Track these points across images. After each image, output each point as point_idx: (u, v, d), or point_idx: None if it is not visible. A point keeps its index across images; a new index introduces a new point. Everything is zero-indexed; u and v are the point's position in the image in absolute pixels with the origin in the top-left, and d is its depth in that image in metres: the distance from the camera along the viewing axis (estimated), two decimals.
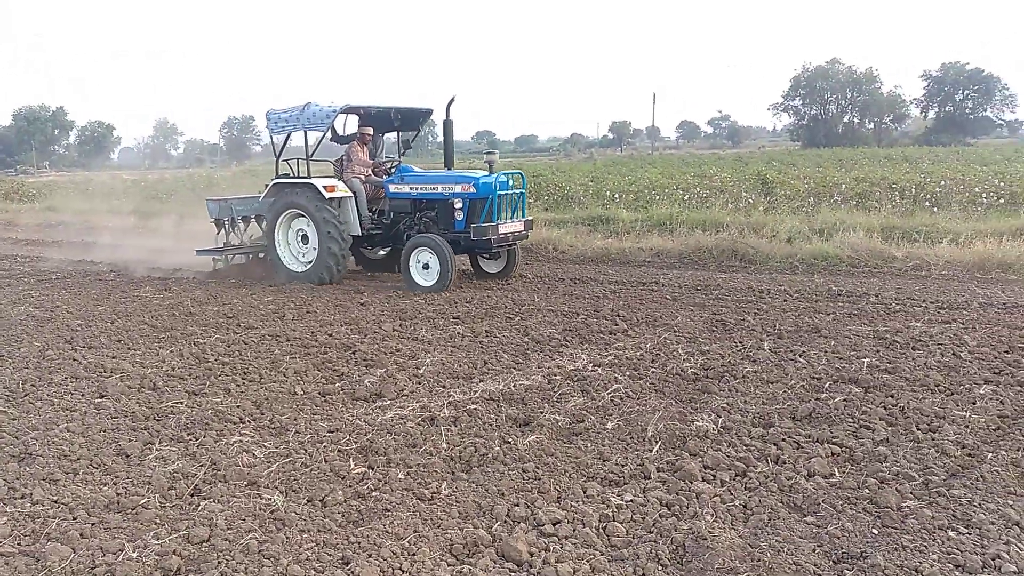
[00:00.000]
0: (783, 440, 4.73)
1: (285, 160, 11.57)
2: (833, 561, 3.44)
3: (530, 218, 11.25)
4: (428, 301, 9.37)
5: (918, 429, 4.84)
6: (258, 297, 9.91)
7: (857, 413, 5.11)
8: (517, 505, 3.96)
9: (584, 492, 4.10)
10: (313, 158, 11.32)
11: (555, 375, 6.13)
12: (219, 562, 3.47)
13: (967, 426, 4.86)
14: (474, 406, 5.38)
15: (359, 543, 3.62)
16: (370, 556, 3.49)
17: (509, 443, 4.77)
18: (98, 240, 16.48)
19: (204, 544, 3.63)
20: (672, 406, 5.36)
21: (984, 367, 6.06)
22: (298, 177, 11.37)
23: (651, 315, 8.26)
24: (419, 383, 6.01)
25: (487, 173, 10.54)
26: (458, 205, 10.32)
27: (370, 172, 11.37)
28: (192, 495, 4.15)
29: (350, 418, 5.24)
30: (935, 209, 15.10)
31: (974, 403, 5.26)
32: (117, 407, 5.53)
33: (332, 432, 5.00)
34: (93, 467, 4.53)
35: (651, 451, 4.60)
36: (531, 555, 3.50)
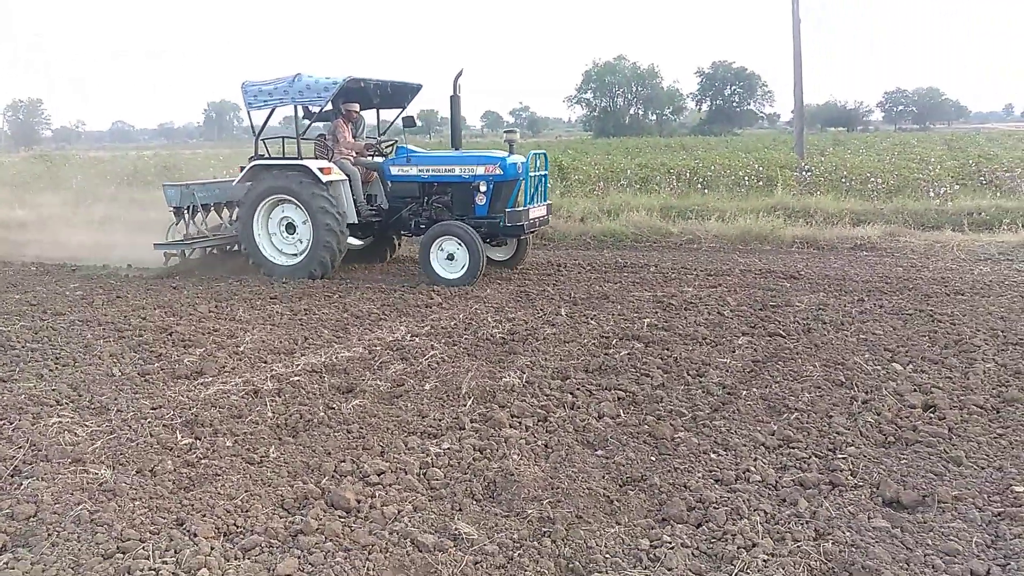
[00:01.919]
0: (578, 389, 5.37)
1: (263, 140, 10.20)
2: (619, 485, 4.06)
3: (550, 202, 10.49)
4: (243, 283, 9.34)
5: (688, 375, 5.67)
6: (63, 284, 9.43)
7: (639, 364, 5.87)
8: (343, 461, 4.26)
9: (406, 445, 4.48)
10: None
11: (375, 346, 6.45)
12: (48, 534, 3.50)
13: (727, 370, 5.74)
14: (297, 378, 5.59)
15: (192, 505, 3.78)
16: (204, 516, 3.66)
17: (333, 408, 5.06)
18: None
19: (31, 519, 3.64)
20: (483, 367, 5.87)
21: (742, 322, 7.10)
22: (285, 158, 10.13)
23: (463, 289, 8.78)
24: (240, 360, 6.12)
25: (507, 153, 9.55)
26: (483, 188, 9.36)
27: (357, 153, 10.32)
28: (12, 476, 4.09)
29: (172, 395, 5.29)
30: (706, 190, 16.88)
31: (733, 352, 6.20)
32: None
33: (155, 409, 5.04)
34: None
35: (465, 406, 5.07)
36: (359, 502, 3.82)
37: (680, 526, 3.58)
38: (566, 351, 6.24)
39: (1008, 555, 3.29)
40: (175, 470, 4.17)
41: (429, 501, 3.86)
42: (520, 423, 4.80)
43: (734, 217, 13.34)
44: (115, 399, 5.23)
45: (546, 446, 4.51)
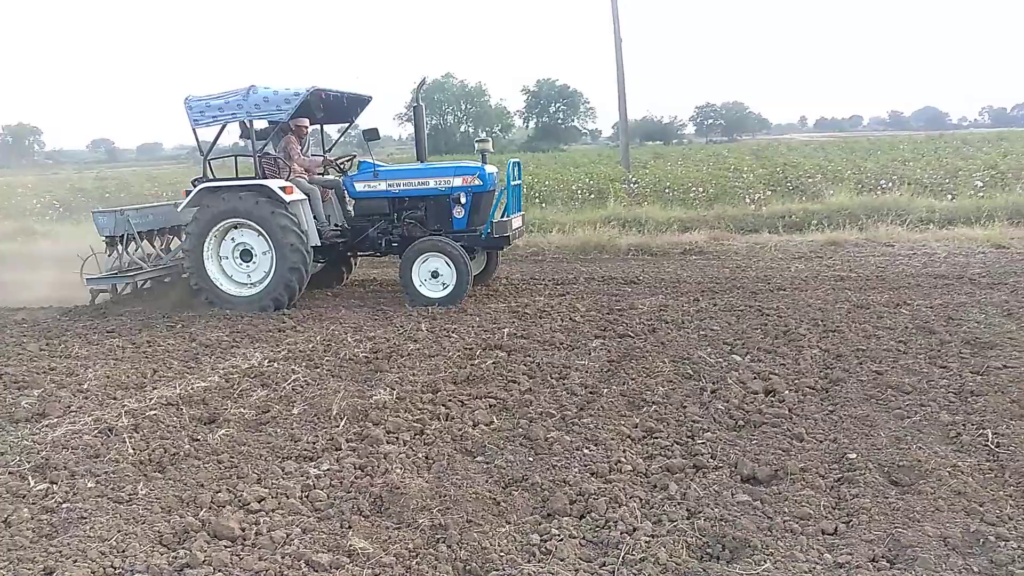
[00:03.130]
0: (450, 401, 5.47)
1: (209, 160, 9.33)
2: (503, 487, 4.20)
3: (523, 212, 10.19)
4: (74, 317, 8.72)
5: (552, 378, 5.92)
6: None
7: (505, 372, 6.06)
8: (219, 492, 4.13)
9: (283, 470, 4.41)
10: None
11: (232, 374, 6.25)
12: None
13: (587, 371, 6.04)
14: (153, 412, 5.32)
15: (60, 552, 3.54)
16: (76, 561, 3.44)
17: (198, 440, 4.87)
18: None
19: None
20: (350, 387, 5.84)
21: (594, 326, 7.47)
22: (239, 178, 9.28)
23: (316, 312, 8.66)
24: (86, 398, 5.73)
25: (480, 164, 9.28)
26: (462, 201, 9.05)
27: (308, 171, 9.65)
28: None
29: (15, 440, 4.89)
30: (543, 204, 17.48)
31: (590, 354, 6.52)
32: None
33: None
34: None
35: (338, 426, 5.03)
36: (243, 530, 3.74)
37: (565, 519, 3.77)
38: (432, 365, 6.32)
39: (850, 513, 3.72)
40: (33, 518, 3.88)
41: (317, 522, 3.83)
42: (397, 438, 4.84)
43: (573, 229, 13.94)
44: None
45: (427, 458, 4.57)
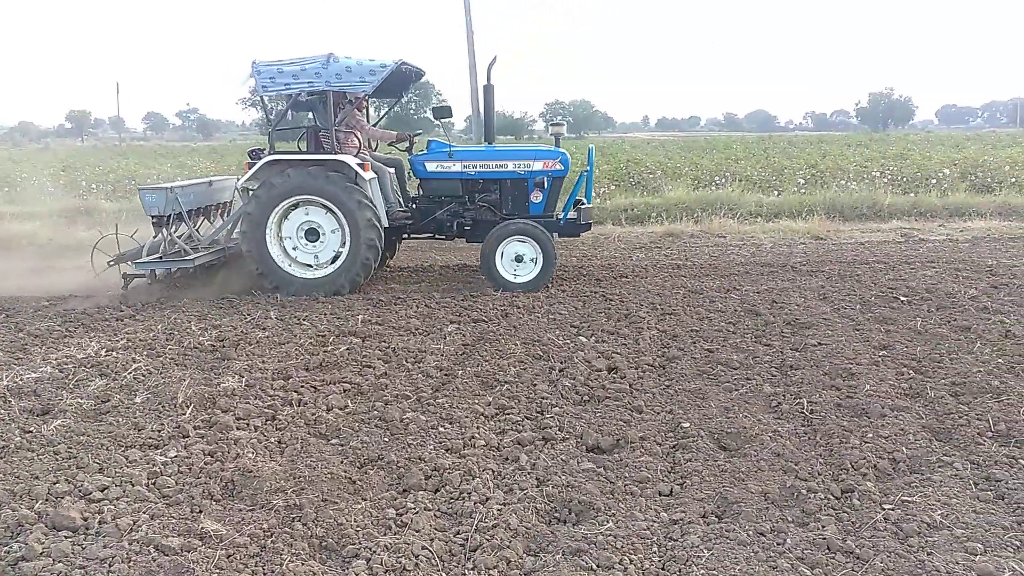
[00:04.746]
0: (302, 387, 5.43)
1: (280, 131, 8.78)
2: (359, 467, 4.25)
3: None
4: None
5: (407, 362, 6.00)
6: None
7: (359, 357, 6.08)
8: (57, 483, 3.93)
9: (127, 459, 4.24)
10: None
11: (66, 364, 5.91)
12: None
13: (442, 355, 6.16)
14: None
15: None
16: None
17: (31, 432, 4.60)
18: None
19: None
20: (196, 375, 5.67)
21: (449, 312, 7.60)
22: (307, 152, 8.61)
23: (157, 300, 8.27)
24: None
25: (555, 147, 9.11)
26: (545, 185, 8.89)
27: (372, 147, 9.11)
28: None
29: None
30: None
31: (445, 338, 6.65)
32: None
33: None
34: None
35: (185, 414, 4.89)
36: (85, 519, 3.59)
37: (421, 493, 3.88)
38: (283, 352, 6.24)
39: (684, 476, 4.05)
40: None
41: (166, 507, 3.74)
42: (248, 424, 4.77)
43: None
44: None
45: (279, 442, 4.55)
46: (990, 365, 5.61)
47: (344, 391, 5.38)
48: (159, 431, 4.63)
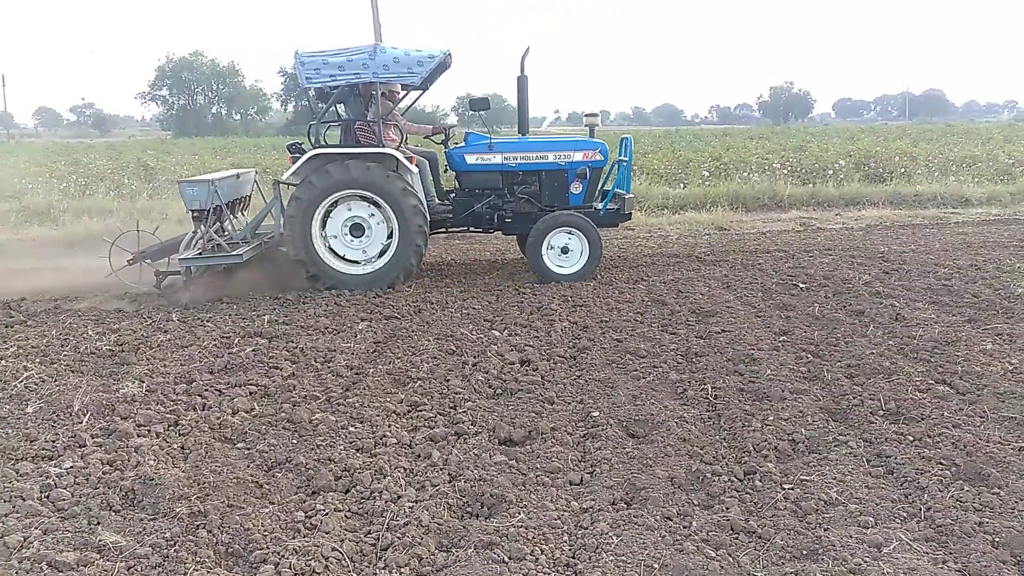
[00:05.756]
0: (206, 390, 5.26)
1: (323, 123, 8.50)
2: (265, 470, 4.16)
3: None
4: None
5: (316, 362, 5.89)
6: None
7: (266, 358, 5.93)
8: None
9: (17, 472, 4.03)
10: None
11: None
12: None
13: (353, 353, 6.08)
14: None
15: None
16: None
17: None
18: None
19: None
20: (93, 381, 5.43)
21: (360, 309, 7.50)
22: (359, 144, 8.51)
23: (52, 304, 7.92)
24: None
25: (590, 138, 9.11)
26: (586, 176, 8.90)
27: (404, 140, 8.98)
28: None
29: None
30: None
31: (355, 336, 6.56)
32: None
33: None
34: None
35: (81, 423, 4.68)
36: None
37: (331, 494, 3.82)
38: (186, 355, 6.03)
39: (593, 464, 4.11)
40: None
41: (60, 521, 3.57)
42: (149, 431, 4.59)
43: None
44: None
45: (183, 448, 4.40)
46: (882, 347, 5.90)
47: (250, 394, 5.25)
48: (53, 441, 4.41)
